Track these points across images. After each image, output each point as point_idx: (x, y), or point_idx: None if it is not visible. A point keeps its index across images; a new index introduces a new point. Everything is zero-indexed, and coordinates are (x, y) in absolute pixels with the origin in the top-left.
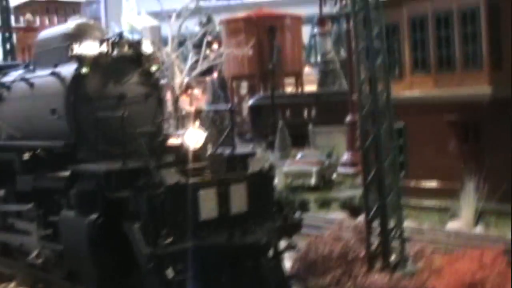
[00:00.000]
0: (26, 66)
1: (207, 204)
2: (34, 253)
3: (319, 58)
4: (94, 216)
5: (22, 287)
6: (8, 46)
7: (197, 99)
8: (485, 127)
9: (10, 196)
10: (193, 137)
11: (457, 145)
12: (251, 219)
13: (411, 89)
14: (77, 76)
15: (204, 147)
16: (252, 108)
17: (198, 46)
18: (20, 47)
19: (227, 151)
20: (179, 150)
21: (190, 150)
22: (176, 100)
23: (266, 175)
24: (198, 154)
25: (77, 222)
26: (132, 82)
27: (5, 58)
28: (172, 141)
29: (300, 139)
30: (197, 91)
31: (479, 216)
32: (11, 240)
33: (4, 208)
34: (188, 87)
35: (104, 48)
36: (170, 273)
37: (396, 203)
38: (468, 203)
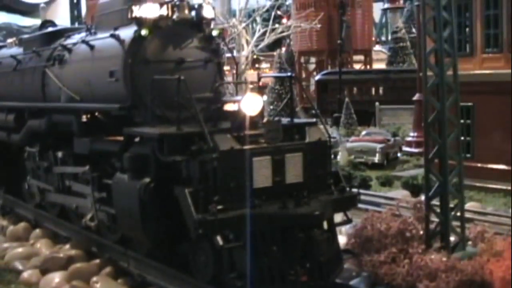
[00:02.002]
0: (88, 30)
1: (261, 172)
2: (88, 216)
3: (389, 36)
4: (146, 180)
5: (76, 250)
6: (75, 12)
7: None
8: None
9: (68, 158)
10: (250, 103)
11: None
12: (306, 189)
13: (481, 67)
14: (136, 39)
15: (261, 114)
16: (318, 83)
17: (266, 19)
18: (90, 15)
19: (285, 119)
20: (236, 116)
21: (246, 117)
22: (241, 73)
23: (324, 146)
24: (255, 121)
25: (130, 186)
26: (192, 46)
27: (72, 23)
28: (229, 107)
29: (366, 117)
30: (265, 66)
31: None
32: (68, 202)
33: (62, 170)
34: (255, 61)
35: (164, 11)
36: (219, 240)
37: (458, 181)
38: None
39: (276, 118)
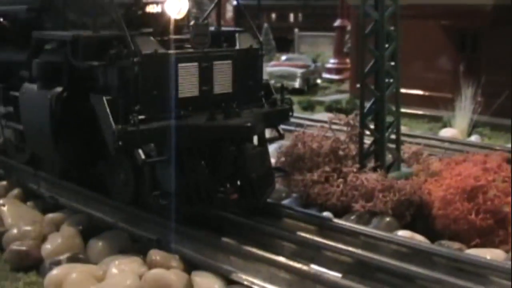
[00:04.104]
0: None
1: (187, 80)
2: None
3: None
4: (58, 89)
5: None
6: None
7: None
8: (485, 36)
9: None
10: (175, 4)
11: (453, 54)
12: (236, 101)
13: None
14: None
15: (187, 17)
16: (236, 8)
17: None
18: None
19: (213, 27)
20: (159, 19)
21: (171, 20)
22: None
23: (256, 54)
24: (180, 24)
25: (39, 96)
26: None
27: None
28: (152, 8)
29: (284, 44)
30: None
31: (473, 127)
32: None
33: None
34: None
35: None
36: (140, 155)
37: (395, 95)
38: (462, 113)
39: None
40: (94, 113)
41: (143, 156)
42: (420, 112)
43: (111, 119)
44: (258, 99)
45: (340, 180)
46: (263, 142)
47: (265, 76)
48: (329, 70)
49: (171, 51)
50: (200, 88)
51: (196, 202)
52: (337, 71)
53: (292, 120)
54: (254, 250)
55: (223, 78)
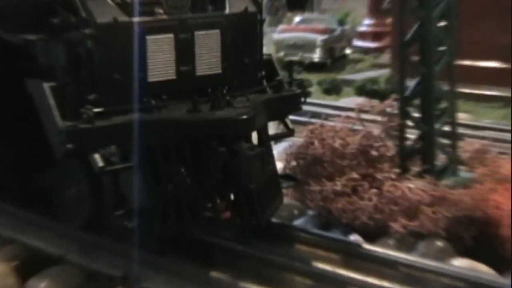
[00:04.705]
0: None
1: (160, 58)
2: None
3: None
4: None
5: None
6: None
7: None
8: None
9: None
10: None
11: None
12: (227, 85)
13: None
14: None
15: None
16: None
17: None
18: None
19: None
20: None
21: None
22: None
23: (253, 20)
24: None
25: None
26: None
27: None
28: None
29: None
30: None
31: None
32: None
33: None
34: None
35: None
36: (98, 161)
37: (449, 71)
38: None
39: None
40: (33, 103)
41: (101, 163)
42: (490, 93)
43: (56, 113)
44: (257, 81)
45: (373, 190)
46: (265, 140)
47: (267, 49)
48: (363, 36)
49: (136, 19)
50: (178, 69)
51: (175, 223)
52: (374, 36)
53: (306, 108)
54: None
55: (208, 54)
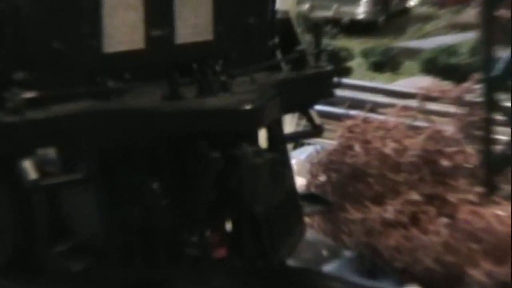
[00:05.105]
0: None
1: (121, 18)
2: None
3: None
4: None
5: None
6: None
7: None
8: None
9: None
10: None
11: None
12: (222, 58)
13: None
14: None
15: None
16: None
17: None
18: None
19: None
20: None
21: None
22: None
23: None
24: None
25: None
26: None
27: None
28: None
29: None
30: None
31: None
32: None
33: None
34: None
35: None
36: (29, 171)
37: None
38: None
39: None
40: None
41: (33, 174)
42: None
43: None
44: (267, 53)
45: (443, 220)
46: (279, 142)
47: (283, 2)
48: None
49: None
50: (147, 34)
51: (142, 267)
52: None
53: (343, 93)
54: None
55: (193, 12)
